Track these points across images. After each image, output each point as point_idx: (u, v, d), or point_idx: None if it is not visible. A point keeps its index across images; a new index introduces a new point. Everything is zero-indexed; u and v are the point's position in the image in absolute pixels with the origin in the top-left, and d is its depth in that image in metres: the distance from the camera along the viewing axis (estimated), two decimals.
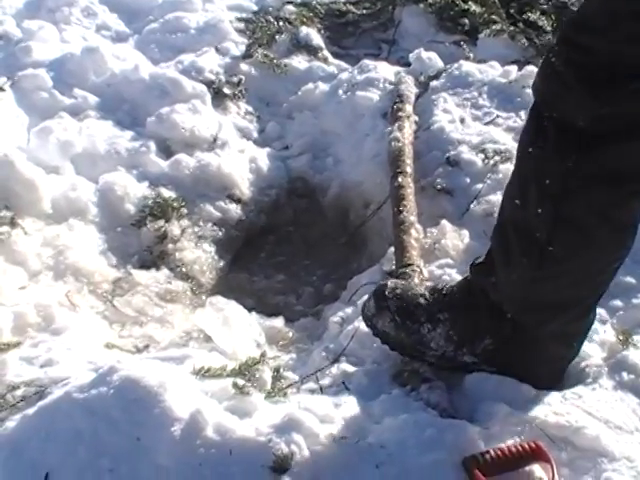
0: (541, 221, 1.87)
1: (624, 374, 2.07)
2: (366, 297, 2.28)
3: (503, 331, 2.05)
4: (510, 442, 1.86)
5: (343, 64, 3.75)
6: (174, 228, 3.01)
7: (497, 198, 2.62)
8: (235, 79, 3.72)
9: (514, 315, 2.02)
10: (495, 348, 2.06)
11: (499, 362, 2.07)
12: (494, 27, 3.87)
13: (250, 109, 3.67)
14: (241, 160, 3.32)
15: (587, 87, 1.73)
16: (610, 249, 1.91)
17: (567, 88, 1.76)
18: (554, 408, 1.96)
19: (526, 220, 1.91)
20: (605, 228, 1.86)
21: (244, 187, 3.23)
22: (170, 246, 2.96)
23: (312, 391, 2.13)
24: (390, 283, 2.24)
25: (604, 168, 1.78)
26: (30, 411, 1.93)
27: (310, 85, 3.67)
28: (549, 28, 3.87)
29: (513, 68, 3.39)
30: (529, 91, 1.98)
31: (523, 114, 3.09)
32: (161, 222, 3.00)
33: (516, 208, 1.95)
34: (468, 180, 2.85)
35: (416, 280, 2.37)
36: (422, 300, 2.14)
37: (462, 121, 3.15)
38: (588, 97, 1.73)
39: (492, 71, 3.40)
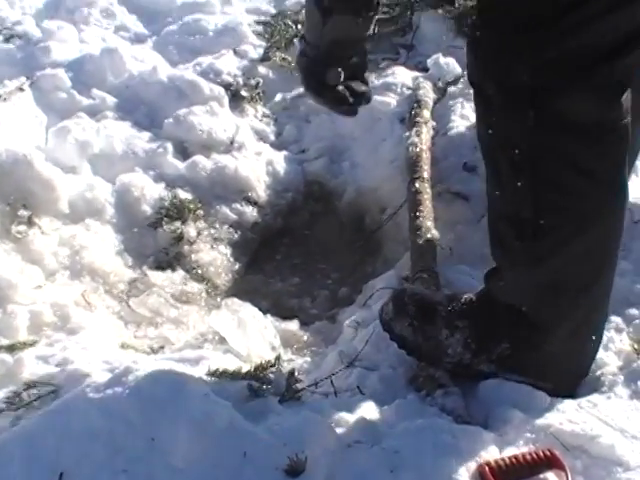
0: (523, 196, 1.87)
1: (639, 383, 2.07)
2: (382, 301, 2.29)
3: (519, 334, 2.04)
4: (525, 449, 1.86)
5: None
6: (190, 230, 3.01)
7: None
8: (253, 82, 3.72)
9: (528, 311, 2.01)
10: (512, 353, 2.06)
11: (516, 367, 2.07)
12: None
13: (267, 112, 3.67)
14: (258, 163, 3.32)
15: (520, 38, 1.74)
16: (597, 211, 1.88)
17: (502, 48, 1.77)
18: (569, 416, 1.95)
19: (510, 204, 1.91)
20: (583, 181, 1.84)
21: (261, 190, 3.24)
22: (186, 247, 2.97)
23: (326, 395, 2.13)
24: (409, 288, 2.24)
25: (562, 117, 1.77)
26: (46, 410, 1.93)
27: None
28: None
29: None
30: None
31: None
32: (177, 223, 3.01)
33: (498, 199, 1.96)
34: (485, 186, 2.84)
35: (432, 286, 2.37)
36: (441, 307, 2.14)
37: None
38: (524, 48, 1.74)
39: None
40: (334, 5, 1.97)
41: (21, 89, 3.42)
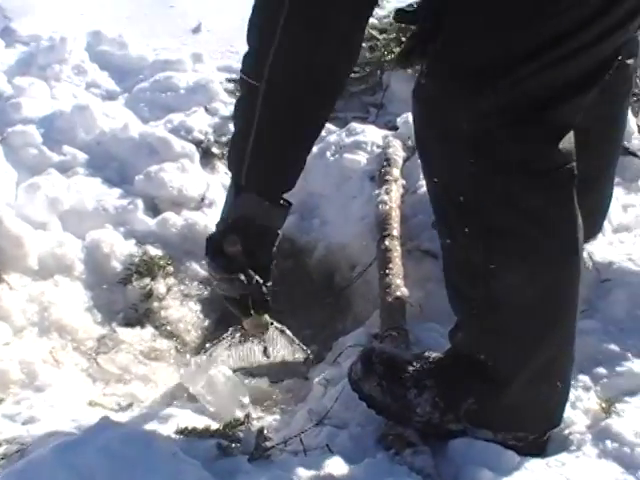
0: (471, 242, 1.89)
1: (608, 442, 2.07)
2: (352, 359, 2.29)
3: (483, 387, 2.04)
4: None
5: (331, 127, 3.77)
6: (160, 286, 3.01)
7: None
8: (224, 139, 3.73)
9: (486, 360, 2.01)
10: (477, 407, 2.06)
11: (483, 421, 2.07)
12: None
13: None
14: None
15: (462, 87, 1.79)
16: (547, 256, 1.90)
17: (443, 96, 1.82)
18: (537, 475, 1.96)
19: (461, 251, 1.93)
20: (529, 226, 1.86)
21: None
22: (155, 304, 2.97)
23: (296, 453, 2.12)
24: (377, 347, 2.25)
25: (502, 163, 1.80)
26: (12, 469, 1.91)
27: None
28: None
29: None
30: None
31: None
32: (147, 280, 3.01)
33: (449, 248, 1.98)
34: None
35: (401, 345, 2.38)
36: (409, 366, 2.15)
37: None
38: (465, 96, 1.78)
39: None
40: (245, 183, 2.09)
41: None
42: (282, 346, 2.64)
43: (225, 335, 2.57)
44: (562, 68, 1.76)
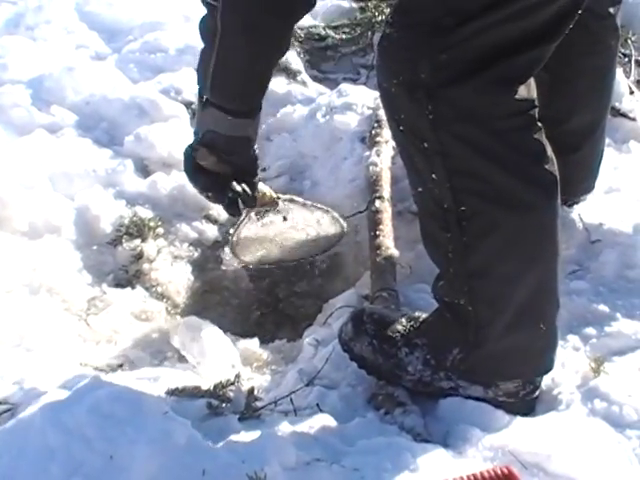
0: (440, 187, 1.91)
1: (597, 401, 2.08)
2: (342, 320, 2.29)
3: (467, 336, 2.05)
4: (483, 467, 1.86)
5: (322, 88, 3.76)
6: (150, 248, 3.00)
7: None
8: None
9: (465, 305, 2.02)
10: (463, 357, 2.07)
11: (471, 371, 2.07)
12: None
13: None
14: None
15: (423, 39, 1.83)
16: (515, 198, 1.91)
17: (406, 46, 1.85)
18: (527, 434, 1.97)
19: (431, 197, 1.94)
20: (493, 168, 1.88)
21: (221, 208, 3.22)
22: (146, 266, 2.96)
23: (286, 413, 2.13)
24: (368, 308, 2.25)
25: (459, 108, 1.83)
26: (1, 428, 1.92)
27: (289, 108, 3.67)
28: None
29: None
30: None
31: None
32: (137, 241, 3.00)
33: (421, 194, 2.00)
34: None
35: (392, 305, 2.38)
36: (399, 326, 2.16)
37: None
38: (425, 49, 1.82)
39: None
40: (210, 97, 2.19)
41: None
42: (298, 211, 2.64)
43: (241, 219, 2.55)
44: (520, 21, 1.78)
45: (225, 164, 2.26)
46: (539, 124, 1.90)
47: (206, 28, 2.29)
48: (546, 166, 1.91)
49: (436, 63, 1.80)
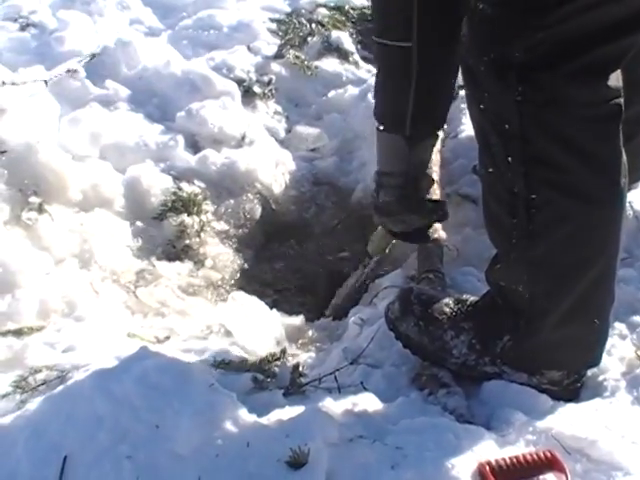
0: (514, 171, 1.88)
1: None
2: (388, 300, 2.30)
3: (519, 324, 2.04)
4: (526, 450, 1.87)
5: (373, 69, 3.75)
6: (198, 223, 3.03)
7: None
8: (265, 78, 3.74)
9: (523, 292, 2.00)
10: (513, 344, 2.06)
11: (520, 359, 2.07)
12: None
13: (279, 109, 3.69)
14: (268, 159, 3.33)
15: (519, 18, 1.77)
16: (589, 191, 1.88)
17: (502, 25, 1.79)
18: (571, 419, 1.96)
19: (502, 180, 1.91)
20: (573, 158, 1.84)
21: (270, 185, 3.25)
22: (194, 240, 2.98)
23: (330, 390, 2.14)
24: (416, 288, 2.25)
25: (550, 93, 1.78)
26: (51, 394, 1.95)
27: (340, 88, 3.68)
28: None
29: None
30: None
31: None
32: (185, 216, 3.03)
33: (491, 177, 1.96)
34: None
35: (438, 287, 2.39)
36: (447, 308, 2.16)
37: None
38: (521, 27, 1.76)
39: None
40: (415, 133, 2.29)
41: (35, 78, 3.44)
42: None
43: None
44: (613, 7, 1.73)
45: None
46: (623, 114, 1.84)
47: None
48: (623, 161, 1.89)
49: (531, 43, 1.75)
